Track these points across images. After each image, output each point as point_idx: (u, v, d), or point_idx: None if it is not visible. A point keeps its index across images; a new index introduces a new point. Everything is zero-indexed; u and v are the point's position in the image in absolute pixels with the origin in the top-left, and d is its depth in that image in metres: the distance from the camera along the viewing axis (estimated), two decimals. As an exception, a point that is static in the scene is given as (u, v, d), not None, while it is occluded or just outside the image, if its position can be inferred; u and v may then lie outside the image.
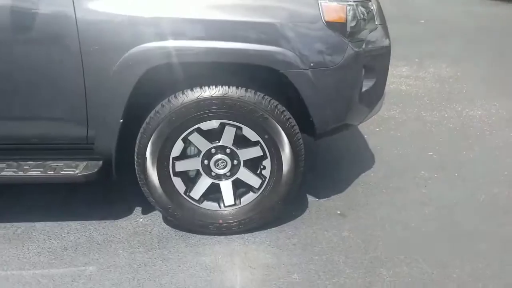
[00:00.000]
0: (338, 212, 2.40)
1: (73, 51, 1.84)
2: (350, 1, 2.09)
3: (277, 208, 2.21)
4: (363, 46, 2.16)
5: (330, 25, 1.99)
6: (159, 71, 1.92)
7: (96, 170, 2.07)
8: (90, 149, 2.08)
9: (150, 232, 2.23)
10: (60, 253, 2.07)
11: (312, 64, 1.98)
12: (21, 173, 2.03)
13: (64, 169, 2.06)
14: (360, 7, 2.15)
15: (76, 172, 2.05)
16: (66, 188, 2.45)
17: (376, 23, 2.33)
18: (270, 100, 2.03)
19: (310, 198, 2.50)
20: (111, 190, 2.50)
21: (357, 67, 2.14)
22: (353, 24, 2.06)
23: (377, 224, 2.30)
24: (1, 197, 2.46)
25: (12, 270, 1.96)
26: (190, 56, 1.93)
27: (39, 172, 2.04)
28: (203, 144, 2.10)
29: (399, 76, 4.62)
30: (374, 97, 2.41)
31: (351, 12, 2.06)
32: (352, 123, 2.41)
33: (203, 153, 2.11)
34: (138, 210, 2.38)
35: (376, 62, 2.31)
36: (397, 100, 3.94)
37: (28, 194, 2.47)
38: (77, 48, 1.84)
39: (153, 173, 2.09)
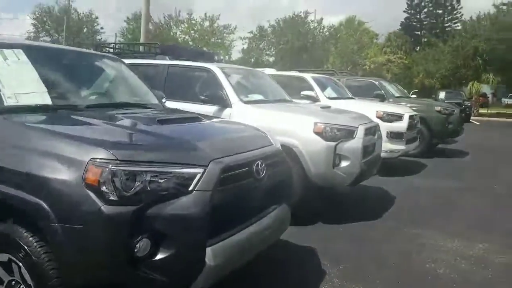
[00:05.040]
0: None
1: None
2: (118, 163, 2.01)
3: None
4: (143, 213, 2.02)
5: (88, 186, 1.97)
6: None
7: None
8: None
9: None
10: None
11: (58, 219, 1.96)
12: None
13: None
14: (136, 172, 2.04)
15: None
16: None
17: (191, 188, 2.15)
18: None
19: None
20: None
21: (111, 230, 1.97)
22: (109, 188, 1.97)
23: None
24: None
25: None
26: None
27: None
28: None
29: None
30: (173, 270, 2.13)
31: (110, 176, 1.97)
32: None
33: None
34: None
35: (173, 231, 2.11)
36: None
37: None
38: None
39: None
